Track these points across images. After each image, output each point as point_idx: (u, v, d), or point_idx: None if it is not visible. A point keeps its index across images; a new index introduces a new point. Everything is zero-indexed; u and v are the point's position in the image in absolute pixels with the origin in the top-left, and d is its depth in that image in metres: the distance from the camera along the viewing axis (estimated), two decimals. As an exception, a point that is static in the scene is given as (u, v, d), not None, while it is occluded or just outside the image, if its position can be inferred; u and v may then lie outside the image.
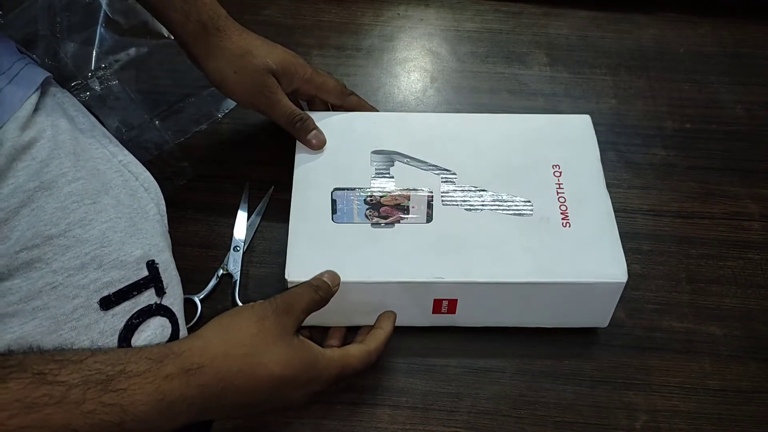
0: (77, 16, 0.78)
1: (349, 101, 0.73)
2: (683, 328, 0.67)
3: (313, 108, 0.74)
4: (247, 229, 0.71)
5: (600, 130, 0.70)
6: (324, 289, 0.58)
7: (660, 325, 0.67)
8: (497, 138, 0.69)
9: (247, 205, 0.72)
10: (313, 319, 0.64)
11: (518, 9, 0.92)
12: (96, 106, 0.72)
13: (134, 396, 0.45)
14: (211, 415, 0.53)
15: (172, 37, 0.82)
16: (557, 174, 0.66)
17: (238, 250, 0.69)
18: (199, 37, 0.66)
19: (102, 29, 0.78)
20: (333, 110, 0.73)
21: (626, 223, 0.72)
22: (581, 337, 0.66)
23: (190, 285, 0.64)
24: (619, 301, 0.62)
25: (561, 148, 0.68)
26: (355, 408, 0.62)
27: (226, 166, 0.76)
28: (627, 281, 0.60)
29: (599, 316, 0.64)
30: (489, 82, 0.85)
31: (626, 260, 0.61)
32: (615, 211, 0.64)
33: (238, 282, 0.68)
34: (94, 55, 0.77)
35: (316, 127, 0.68)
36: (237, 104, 0.79)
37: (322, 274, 0.59)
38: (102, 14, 0.78)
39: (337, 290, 0.59)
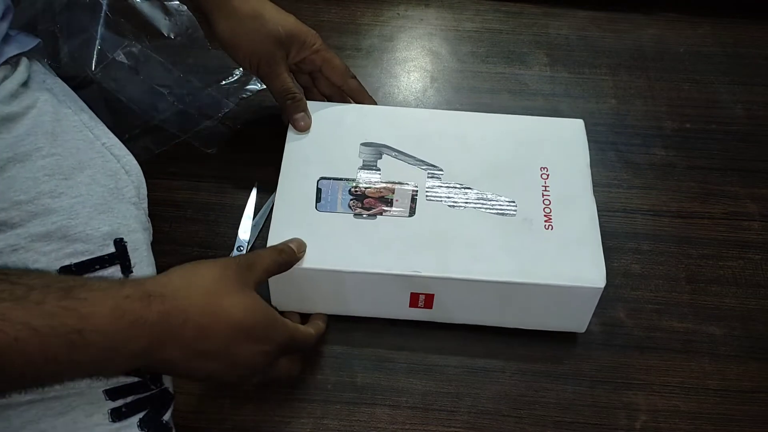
0: (77, 16, 0.78)
1: (350, 84, 0.74)
2: (683, 328, 0.67)
3: (316, 85, 0.75)
4: (251, 230, 0.71)
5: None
6: (288, 252, 0.59)
7: (660, 325, 0.67)
8: (487, 137, 0.69)
9: (254, 205, 0.72)
10: (290, 305, 0.64)
11: (518, 9, 0.92)
12: (95, 106, 0.72)
13: (94, 307, 0.44)
14: (167, 356, 0.48)
15: (172, 37, 0.82)
16: (544, 176, 0.66)
17: (241, 250, 0.69)
18: None
19: (102, 29, 0.78)
20: (331, 94, 0.74)
21: (626, 223, 0.72)
22: (581, 337, 0.66)
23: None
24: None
25: (551, 150, 0.68)
26: (355, 408, 0.62)
27: (226, 166, 0.76)
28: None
29: (576, 320, 0.64)
30: (489, 82, 0.85)
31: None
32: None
33: (238, 282, 0.68)
34: (94, 55, 0.77)
35: (306, 110, 0.69)
36: (236, 104, 0.80)
37: (289, 240, 0.60)
38: (102, 14, 0.78)
39: (302, 257, 0.60)
